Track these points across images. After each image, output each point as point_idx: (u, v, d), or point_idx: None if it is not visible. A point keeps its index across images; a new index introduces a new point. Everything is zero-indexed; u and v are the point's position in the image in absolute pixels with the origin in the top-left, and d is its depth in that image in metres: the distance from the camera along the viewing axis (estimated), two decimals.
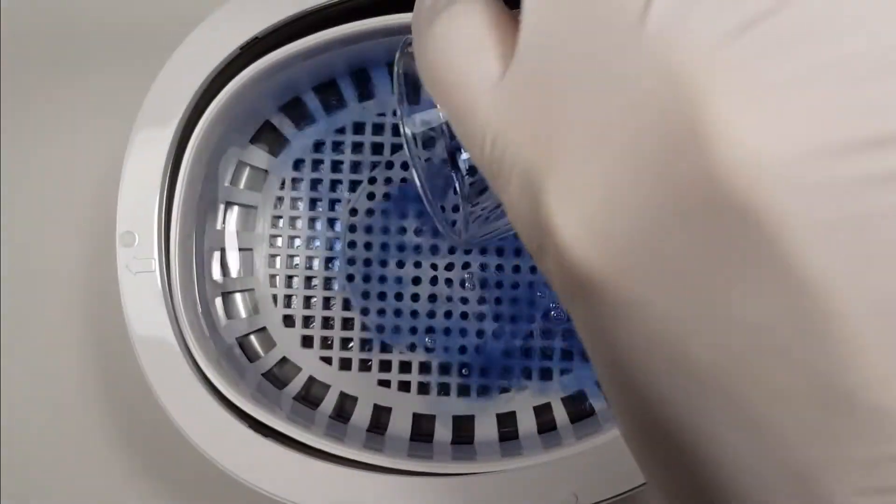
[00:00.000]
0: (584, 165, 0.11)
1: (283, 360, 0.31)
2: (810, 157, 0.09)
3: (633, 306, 0.11)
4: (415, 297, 0.30)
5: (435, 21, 0.14)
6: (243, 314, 0.31)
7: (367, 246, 0.31)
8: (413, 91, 0.19)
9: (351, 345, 0.31)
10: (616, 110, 0.10)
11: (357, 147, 0.31)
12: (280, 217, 0.31)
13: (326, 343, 0.31)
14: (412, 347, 0.30)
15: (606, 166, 0.11)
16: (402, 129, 0.20)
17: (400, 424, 0.30)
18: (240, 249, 0.31)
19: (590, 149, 0.11)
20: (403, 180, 0.31)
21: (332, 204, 0.31)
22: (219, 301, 0.30)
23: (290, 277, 0.31)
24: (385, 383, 0.30)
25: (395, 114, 0.31)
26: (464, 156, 0.18)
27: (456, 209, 0.21)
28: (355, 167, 0.31)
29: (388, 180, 0.31)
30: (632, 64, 0.10)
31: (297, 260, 0.31)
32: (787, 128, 0.09)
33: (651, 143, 0.10)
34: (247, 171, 0.31)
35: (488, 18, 0.13)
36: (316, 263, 0.31)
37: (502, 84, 0.12)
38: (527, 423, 0.30)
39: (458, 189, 0.19)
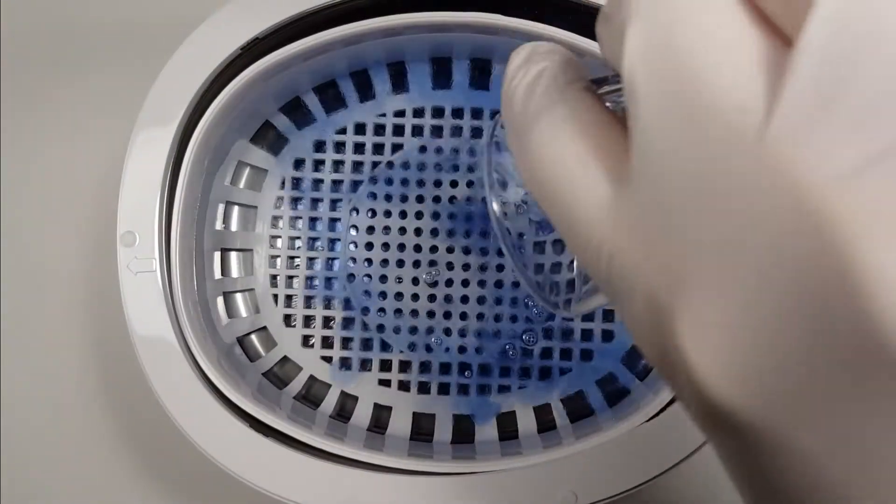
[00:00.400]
0: (717, 302, 0.10)
1: (284, 359, 0.31)
2: None
3: (782, 447, 0.10)
4: (415, 297, 0.30)
5: (535, 127, 0.13)
6: (244, 314, 0.31)
7: (369, 245, 0.31)
8: (503, 173, 0.19)
9: (351, 344, 0.31)
10: (747, 242, 0.10)
11: (358, 147, 0.31)
12: (280, 217, 0.31)
13: (327, 343, 0.31)
14: (412, 347, 0.30)
15: (742, 304, 0.10)
16: (490, 210, 0.19)
17: (400, 424, 0.30)
18: (240, 249, 0.31)
19: (722, 284, 0.10)
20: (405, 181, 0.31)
21: (334, 203, 0.31)
22: (219, 301, 0.30)
23: (290, 277, 0.31)
24: (385, 383, 0.30)
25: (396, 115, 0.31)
26: None
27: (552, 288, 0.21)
28: (356, 167, 0.31)
29: (389, 180, 0.31)
30: (757, 191, 0.09)
31: (297, 260, 0.31)
32: None
33: (792, 283, 0.09)
34: (247, 171, 0.31)
35: (593, 126, 0.12)
36: (317, 263, 0.31)
37: (617, 204, 0.12)
38: (526, 423, 0.30)
39: (575, 268, 0.19)
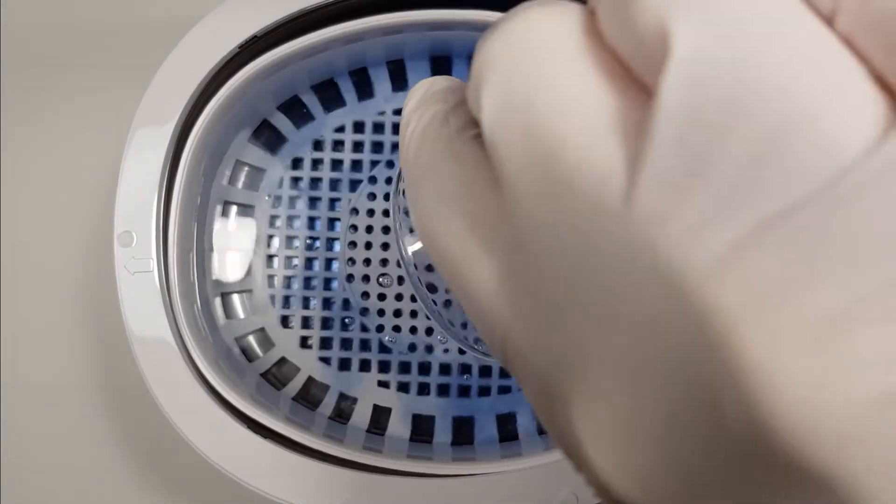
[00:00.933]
0: (606, 397, 0.09)
1: (282, 360, 0.31)
2: (882, 405, 0.07)
3: None
4: (414, 298, 0.30)
5: (423, 187, 0.12)
6: (242, 314, 0.31)
7: (368, 245, 0.31)
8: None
9: (350, 345, 0.30)
10: (626, 333, 0.09)
11: (357, 146, 0.31)
12: (278, 217, 0.31)
13: (325, 343, 0.31)
14: (412, 348, 0.30)
15: (630, 400, 0.09)
16: (400, 254, 0.19)
17: (399, 425, 0.30)
18: (238, 249, 0.31)
19: (609, 378, 0.09)
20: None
21: (332, 203, 0.31)
22: (217, 301, 0.30)
23: (288, 278, 0.31)
24: (384, 384, 0.30)
25: (394, 113, 0.31)
26: None
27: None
28: (355, 166, 0.31)
29: (388, 180, 0.31)
30: (628, 275, 0.08)
31: (295, 260, 0.31)
32: (843, 372, 0.07)
33: (677, 380, 0.08)
34: (245, 171, 0.31)
35: (479, 187, 0.11)
36: (315, 264, 0.31)
37: (503, 281, 0.10)
38: (527, 424, 0.30)
39: None
